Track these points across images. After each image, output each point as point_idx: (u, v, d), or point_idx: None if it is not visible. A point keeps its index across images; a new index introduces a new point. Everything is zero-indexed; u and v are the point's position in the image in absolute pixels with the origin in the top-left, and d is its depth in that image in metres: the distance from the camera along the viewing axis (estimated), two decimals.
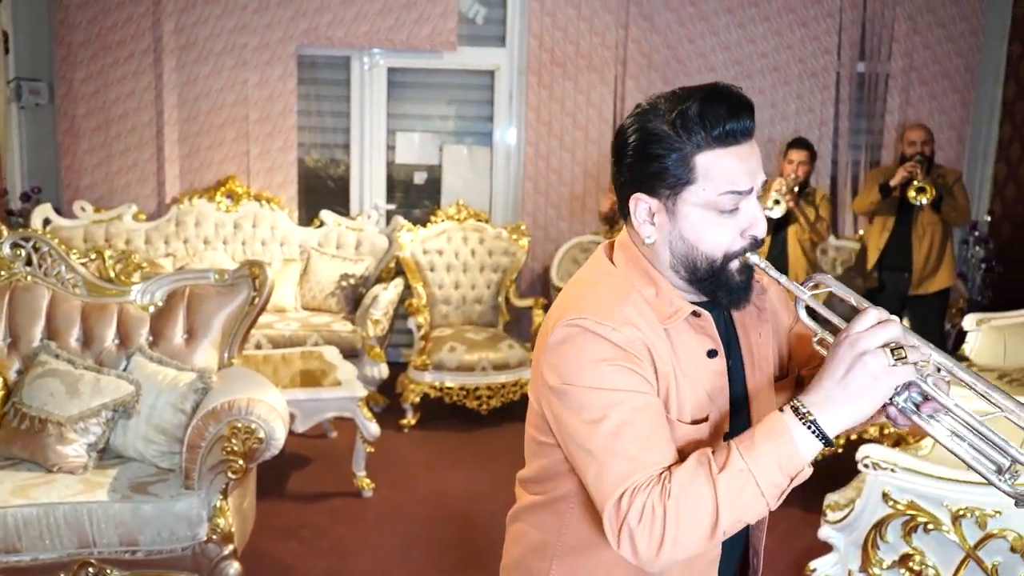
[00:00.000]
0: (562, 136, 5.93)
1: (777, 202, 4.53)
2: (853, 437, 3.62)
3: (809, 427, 1.12)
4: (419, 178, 6.28)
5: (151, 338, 3.28)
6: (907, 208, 4.79)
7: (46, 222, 5.43)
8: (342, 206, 6.11)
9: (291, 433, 3.54)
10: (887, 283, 4.95)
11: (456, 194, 5.99)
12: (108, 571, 2.81)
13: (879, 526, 2.42)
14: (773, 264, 1.26)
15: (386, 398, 5.13)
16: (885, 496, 2.39)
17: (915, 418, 1.13)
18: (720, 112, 1.19)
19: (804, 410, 1.12)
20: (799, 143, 4.87)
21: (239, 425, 2.84)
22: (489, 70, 6.04)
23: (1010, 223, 6.09)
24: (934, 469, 2.32)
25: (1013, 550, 2.29)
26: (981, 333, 4.64)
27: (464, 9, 5.93)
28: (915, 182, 4.63)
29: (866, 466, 2.37)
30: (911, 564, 2.39)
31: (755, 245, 1.25)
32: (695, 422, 1.27)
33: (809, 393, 1.13)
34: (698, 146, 1.20)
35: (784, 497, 1.16)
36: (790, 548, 3.39)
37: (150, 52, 5.67)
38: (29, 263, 3.31)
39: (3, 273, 3.29)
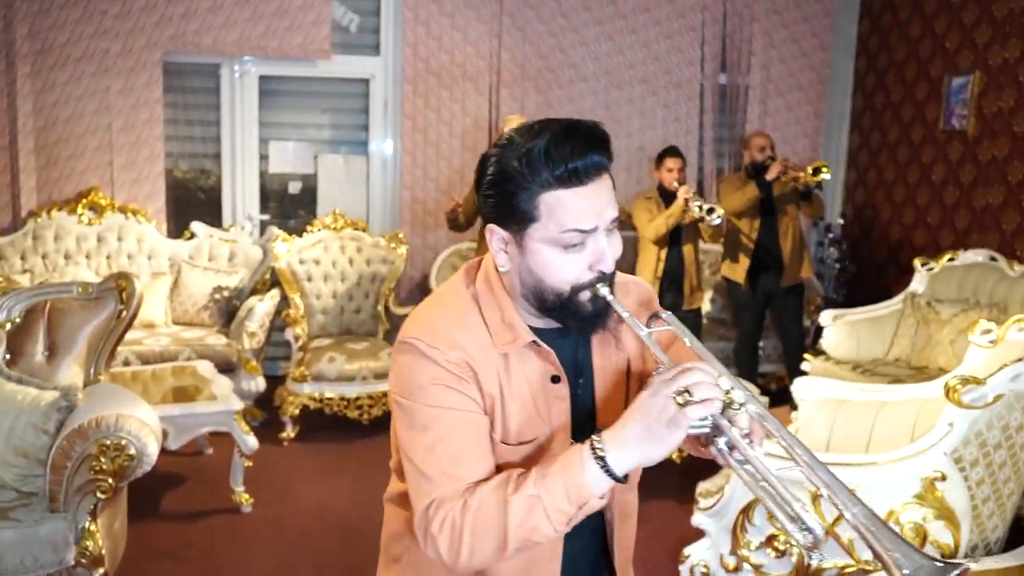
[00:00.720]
0: (439, 144, 5.96)
1: (712, 209, 4.50)
2: None
3: (600, 463, 1.16)
4: (294, 188, 6.18)
5: (8, 356, 3.11)
6: (770, 208, 5.06)
7: None
8: (214, 217, 5.93)
9: (164, 451, 3.43)
10: (759, 281, 5.19)
11: (332, 203, 5.92)
12: None
13: (746, 510, 2.55)
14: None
15: (264, 412, 5.01)
16: None
17: (730, 461, 1.16)
18: (565, 152, 1.19)
19: (599, 446, 1.17)
20: (674, 151, 5.01)
21: (108, 442, 2.73)
22: (364, 78, 6.01)
23: (860, 226, 6.52)
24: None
25: None
26: (837, 328, 4.97)
27: (337, 17, 5.88)
28: (810, 165, 4.87)
29: None
30: (776, 544, 2.53)
31: (604, 278, 1.26)
32: (521, 443, 1.32)
33: (610, 430, 1.17)
34: (542, 186, 1.21)
35: (573, 524, 1.20)
36: (666, 538, 3.52)
37: (1, 57, 5.36)
38: None
39: None
